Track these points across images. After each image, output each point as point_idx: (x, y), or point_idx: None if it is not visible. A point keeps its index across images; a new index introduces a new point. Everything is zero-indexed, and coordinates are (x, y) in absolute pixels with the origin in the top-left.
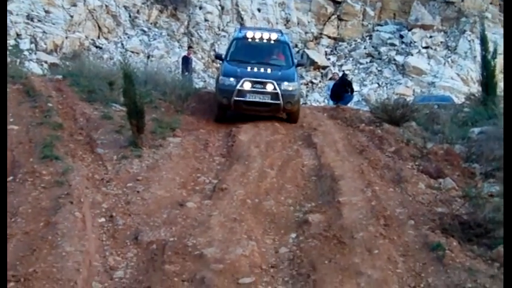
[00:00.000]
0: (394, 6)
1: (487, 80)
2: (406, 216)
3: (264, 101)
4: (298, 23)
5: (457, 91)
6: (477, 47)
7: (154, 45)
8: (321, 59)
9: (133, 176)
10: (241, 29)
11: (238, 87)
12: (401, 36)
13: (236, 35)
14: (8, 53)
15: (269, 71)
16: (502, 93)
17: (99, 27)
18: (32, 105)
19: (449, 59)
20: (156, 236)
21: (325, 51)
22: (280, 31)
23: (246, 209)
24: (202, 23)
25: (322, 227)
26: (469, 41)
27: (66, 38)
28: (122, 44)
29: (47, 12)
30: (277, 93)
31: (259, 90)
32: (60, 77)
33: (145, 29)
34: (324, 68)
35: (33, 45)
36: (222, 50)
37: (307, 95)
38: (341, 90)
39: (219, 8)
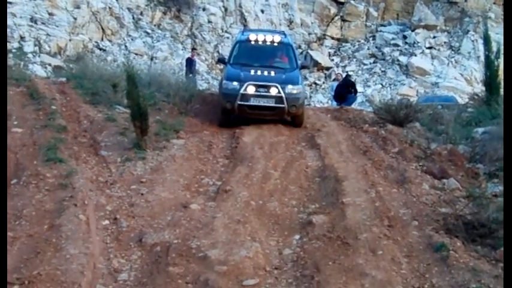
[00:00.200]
0: (397, 7)
1: (490, 80)
2: (410, 217)
3: (268, 105)
4: (301, 24)
5: (460, 91)
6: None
7: (157, 47)
8: (324, 60)
9: (137, 178)
10: (244, 31)
11: (241, 91)
12: (404, 37)
13: (239, 38)
14: (11, 55)
15: (273, 74)
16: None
17: (103, 30)
18: (35, 108)
19: (452, 59)
20: (160, 238)
21: (329, 52)
22: (283, 32)
23: (249, 210)
24: (205, 25)
25: (326, 228)
26: (473, 41)
27: (70, 40)
28: (126, 46)
29: (50, 14)
30: (282, 96)
31: (263, 94)
32: (63, 79)
33: (149, 31)
34: (328, 69)
35: (37, 48)
36: (226, 51)
37: (310, 96)
38: (344, 91)
39: (223, 9)
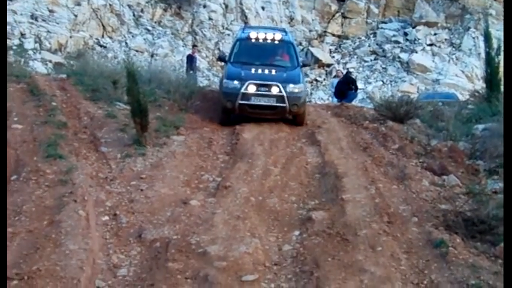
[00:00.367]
0: (398, 4)
1: (491, 77)
2: (409, 213)
3: (269, 104)
4: (302, 21)
5: (461, 88)
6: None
7: (158, 43)
8: (325, 57)
9: (137, 174)
10: (245, 29)
11: (242, 90)
12: (405, 34)
13: (239, 36)
14: (12, 52)
15: (274, 72)
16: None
17: (103, 26)
18: (36, 104)
19: (453, 56)
20: (159, 234)
21: (330, 49)
22: (284, 30)
23: (249, 206)
24: (206, 22)
25: (325, 224)
26: (474, 38)
27: (71, 37)
28: (126, 43)
29: (51, 11)
30: (283, 96)
31: (264, 93)
32: (64, 76)
33: (150, 28)
34: (329, 66)
35: (37, 45)
36: (226, 48)
37: (311, 93)
38: (345, 88)
39: (223, 6)
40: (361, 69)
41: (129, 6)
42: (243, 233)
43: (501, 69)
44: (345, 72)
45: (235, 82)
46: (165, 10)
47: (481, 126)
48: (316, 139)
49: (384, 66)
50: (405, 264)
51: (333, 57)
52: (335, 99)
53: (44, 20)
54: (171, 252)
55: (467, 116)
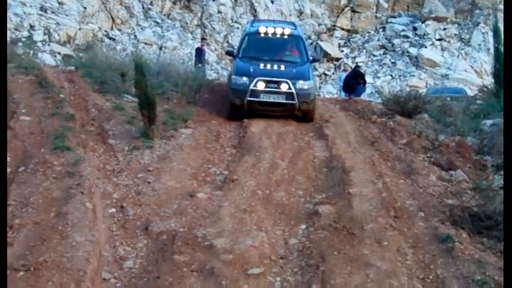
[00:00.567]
0: None
1: (499, 73)
2: (416, 208)
3: (278, 101)
4: (311, 15)
5: (470, 83)
6: (491, 39)
7: (167, 36)
8: (334, 51)
9: (145, 166)
10: (254, 22)
11: (251, 87)
12: (414, 28)
13: (248, 30)
14: (21, 44)
15: (283, 68)
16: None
17: (113, 19)
18: (44, 96)
19: (462, 51)
20: (166, 226)
21: (339, 43)
22: (293, 24)
23: (256, 200)
24: (215, 15)
25: (332, 218)
26: (483, 33)
27: (80, 29)
28: (135, 36)
29: (60, 3)
30: (292, 93)
31: (274, 90)
32: (72, 68)
33: (159, 21)
34: (338, 59)
35: (46, 37)
36: (235, 41)
37: (320, 87)
38: (353, 82)
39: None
40: (370, 63)
41: None
42: (250, 226)
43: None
44: (352, 66)
45: (244, 78)
46: (174, 3)
47: (489, 122)
48: (323, 133)
49: (392, 60)
50: (411, 259)
51: (342, 51)
52: (343, 93)
53: (53, 12)
54: (178, 245)
55: (475, 111)
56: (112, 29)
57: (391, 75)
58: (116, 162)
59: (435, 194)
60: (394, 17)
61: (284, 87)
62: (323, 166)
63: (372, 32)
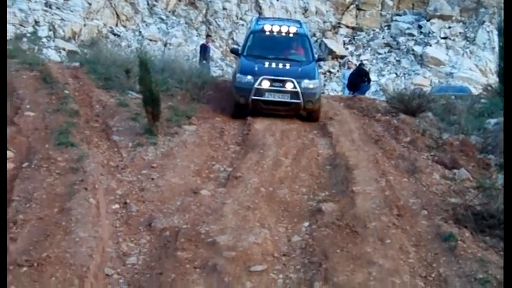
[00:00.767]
0: None
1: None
2: (419, 207)
3: (283, 100)
4: (316, 12)
5: (475, 82)
6: (496, 37)
7: (172, 33)
8: (339, 49)
9: (148, 163)
10: (259, 20)
11: (256, 85)
12: (419, 27)
13: (253, 28)
14: (26, 40)
15: (288, 67)
16: None
17: (117, 15)
18: (48, 92)
19: (467, 50)
20: (169, 223)
21: (343, 41)
22: (299, 22)
23: (259, 197)
24: (220, 12)
25: (335, 216)
26: (488, 31)
27: (85, 25)
28: (140, 32)
29: None
30: (298, 92)
31: (279, 88)
32: (77, 64)
33: (164, 17)
34: (342, 57)
35: (51, 33)
36: (240, 38)
37: (324, 85)
38: (358, 80)
39: None
40: (374, 61)
41: None
42: (253, 223)
43: None
44: (357, 64)
45: (249, 77)
46: (179, 0)
47: (493, 121)
48: (327, 131)
49: (397, 58)
50: (414, 257)
51: (347, 49)
52: (347, 91)
53: (58, 8)
54: (181, 242)
55: (479, 110)
56: (117, 25)
57: (396, 73)
58: (120, 158)
59: (438, 192)
60: (399, 15)
61: (289, 86)
62: (326, 164)
63: (377, 30)
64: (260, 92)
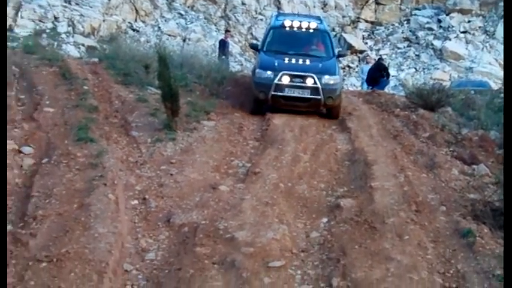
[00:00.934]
0: None
1: None
2: (438, 202)
3: (303, 96)
4: (335, 7)
5: (494, 76)
6: None
7: (191, 28)
8: (358, 43)
9: (167, 158)
10: (278, 16)
11: (276, 81)
12: (439, 21)
13: (273, 23)
14: (45, 35)
15: (308, 62)
16: None
17: (136, 10)
18: (67, 88)
19: (487, 44)
20: (188, 218)
21: (363, 36)
22: (319, 18)
23: (278, 193)
24: (239, 7)
25: (353, 212)
26: None
27: (104, 21)
28: (159, 27)
29: None
30: (318, 87)
31: (299, 84)
32: (96, 59)
33: (183, 12)
34: (361, 52)
35: (70, 28)
36: (259, 33)
37: (343, 79)
38: (377, 74)
39: None
40: (394, 56)
41: None
42: (271, 219)
43: None
44: (376, 58)
45: (269, 72)
46: None
47: None
48: (346, 126)
49: (417, 53)
50: (432, 253)
51: (366, 43)
52: (366, 86)
53: (77, 4)
54: (199, 237)
55: (499, 105)
56: (136, 20)
57: (415, 68)
58: (139, 154)
59: (457, 188)
60: (419, 9)
61: (309, 82)
62: (345, 159)
63: (396, 25)
64: (280, 87)
